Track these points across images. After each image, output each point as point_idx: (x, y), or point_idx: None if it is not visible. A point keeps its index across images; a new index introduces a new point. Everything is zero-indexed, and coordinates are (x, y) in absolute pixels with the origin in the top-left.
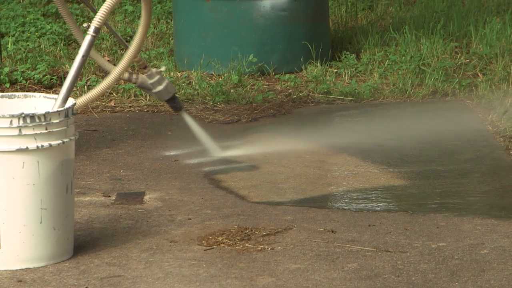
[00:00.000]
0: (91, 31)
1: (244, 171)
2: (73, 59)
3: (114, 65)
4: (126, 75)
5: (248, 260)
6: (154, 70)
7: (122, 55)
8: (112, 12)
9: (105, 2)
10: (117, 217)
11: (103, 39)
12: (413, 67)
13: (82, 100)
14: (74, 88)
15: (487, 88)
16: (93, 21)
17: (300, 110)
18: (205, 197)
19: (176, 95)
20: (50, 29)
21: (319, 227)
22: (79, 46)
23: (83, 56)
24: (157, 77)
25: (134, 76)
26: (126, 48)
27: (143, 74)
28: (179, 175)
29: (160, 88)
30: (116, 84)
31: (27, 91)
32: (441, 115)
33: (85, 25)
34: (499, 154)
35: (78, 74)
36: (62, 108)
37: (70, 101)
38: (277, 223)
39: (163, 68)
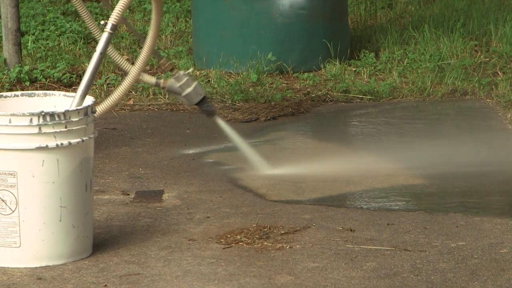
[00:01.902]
0: (108, 28)
1: (263, 170)
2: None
3: (132, 63)
4: (153, 80)
5: (267, 259)
6: (181, 72)
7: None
8: (131, 10)
9: None
10: (136, 215)
11: (122, 37)
12: (432, 66)
13: (102, 107)
14: (94, 87)
15: (507, 87)
16: (110, 18)
17: (318, 108)
18: (224, 195)
19: (206, 97)
20: (70, 27)
21: (337, 225)
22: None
23: (100, 53)
24: (185, 79)
25: (161, 80)
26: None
27: (171, 77)
28: (197, 173)
29: (189, 90)
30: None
31: (46, 90)
32: (461, 113)
33: (102, 22)
34: None
35: (96, 72)
36: (81, 107)
37: (89, 99)
38: (296, 222)
39: (190, 70)
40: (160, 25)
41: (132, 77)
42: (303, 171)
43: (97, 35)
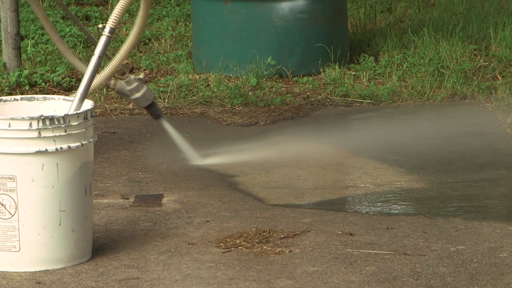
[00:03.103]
0: (106, 31)
1: (262, 173)
2: None
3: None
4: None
5: (266, 263)
6: (132, 76)
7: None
8: (131, 14)
9: (119, 2)
10: (136, 219)
11: (121, 41)
12: (431, 70)
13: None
14: (95, 92)
15: (506, 91)
16: (108, 22)
17: (318, 112)
18: (223, 199)
19: (155, 101)
20: (69, 31)
21: (337, 229)
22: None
23: (99, 57)
24: (135, 84)
25: (112, 81)
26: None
27: (121, 80)
28: (197, 177)
29: (138, 95)
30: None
31: (46, 94)
32: (460, 117)
33: (100, 25)
34: None
35: (94, 75)
36: (81, 111)
37: (89, 103)
38: (295, 226)
39: (141, 75)
40: (145, 27)
41: (117, 60)
42: (300, 176)
43: (55, 39)
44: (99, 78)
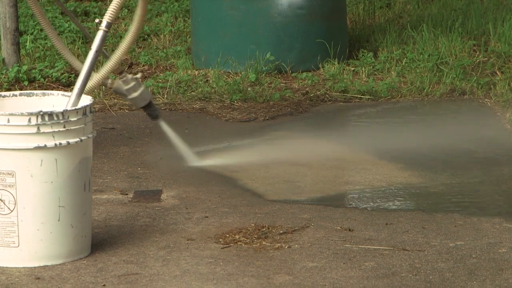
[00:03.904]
0: (103, 26)
1: (261, 169)
2: None
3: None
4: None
5: (265, 258)
6: (130, 76)
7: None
8: (129, 10)
9: None
10: (135, 215)
11: (120, 37)
12: (431, 66)
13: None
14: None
15: (505, 87)
16: (104, 16)
17: (317, 108)
18: (222, 195)
19: (152, 102)
20: (68, 27)
21: (336, 225)
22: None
23: (96, 52)
24: (132, 84)
25: (109, 81)
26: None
27: (119, 79)
28: (196, 173)
29: (135, 94)
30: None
31: (45, 89)
32: (459, 113)
33: (97, 20)
34: None
35: (92, 70)
36: (80, 106)
37: (88, 99)
38: (294, 222)
39: (138, 75)
40: (142, 26)
41: (117, 56)
42: (300, 171)
43: (53, 37)
44: (97, 77)
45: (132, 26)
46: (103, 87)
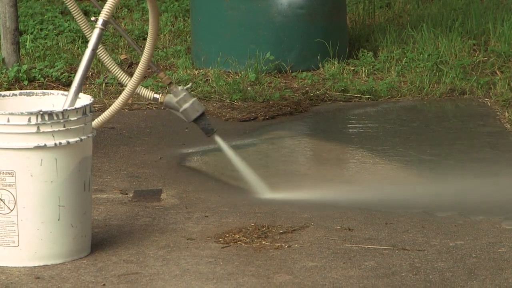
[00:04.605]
0: (99, 24)
1: (261, 168)
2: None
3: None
4: (151, 95)
5: (265, 258)
6: (180, 87)
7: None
8: (129, 9)
9: None
10: (135, 215)
11: (120, 36)
12: (430, 65)
13: (99, 120)
14: (92, 86)
15: (505, 86)
16: (100, 14)
17: (317, 108)
18: (222, 194)
19: (205, 114)
20: (68, 26)
21: (336, 225)
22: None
23: (92, 50)
24: (182, 94)
25: (159, 95)
26: (137, 48)
27: (168, 92)
28: (196, 172)
29: (186, 105)
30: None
31: (45, 89)
32: (459, 112)
33: (93, 18)
34: None
35: (88, 68)
36: (80, 106)
37: (87, 99)
38: (294, 221)
39: (189, 85)
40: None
41: (129, 91)
42: (299, 171)
43: (89, 35)
44: (121, 99)
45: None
46: (103, 86)
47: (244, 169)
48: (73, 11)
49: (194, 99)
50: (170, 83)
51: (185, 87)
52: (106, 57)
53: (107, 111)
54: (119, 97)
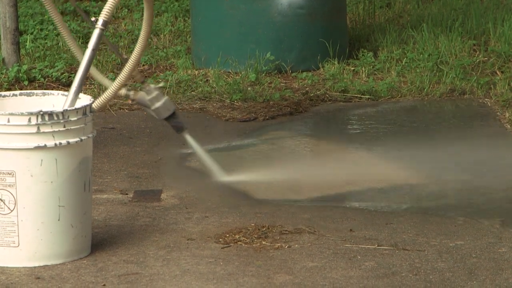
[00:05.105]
0: (99, 24)
1: (261, 169)
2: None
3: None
4: (123, 91)
5: (265, 258)
6: (152, 86)
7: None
8: (129, 9)
9: None
10: (135, 215)
11: (120, 36)
12: (431, 65)
13: (96, 103)
14: (92, 87)
15: (505, 86)
16: (100, 14)
17: (317, 108)
18: (222, 195)
19: (177, 112)
20: (69, 27)
21: (336, 225)
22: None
23: (92, 50)
24: (155, 93)
25: (131, 92)
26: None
27: (141, 90)
28: (196, 173)
29: (158, 104)
30: (134, 82)
31: (45, 89)
32: (459, 112)
33: (93, 19)
34: None
35: (88, 68)
36: (80, 106)
37: (87, 99)
38: (294, 221)
39: (161, 84)
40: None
41: (117, 85)
42: (299, 171)
43: (66, 36)
44: (110, 91)
45: (142, 32)
46: (103, 87)
47: (204, 157)
48: (51, 12)
49: (166, 98)
50: (143, 81)
51: (157, 86)
52: (75, 49)
53: (104, 93)
54: (107, 90)
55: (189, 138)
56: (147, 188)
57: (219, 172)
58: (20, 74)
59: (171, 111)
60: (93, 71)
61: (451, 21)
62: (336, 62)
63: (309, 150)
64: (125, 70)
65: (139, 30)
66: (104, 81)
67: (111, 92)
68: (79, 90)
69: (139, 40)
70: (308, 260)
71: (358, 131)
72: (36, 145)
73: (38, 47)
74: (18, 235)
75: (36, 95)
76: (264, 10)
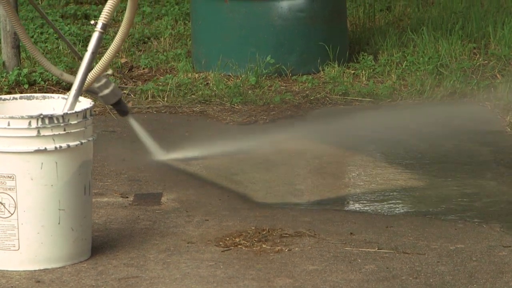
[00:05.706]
0: (98, 27)
1: (262, 172)
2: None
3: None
4: (72, 78)
5: (266, 261)
6: None
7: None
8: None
9: None
10: (135, 218)
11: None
12: (431, 68)
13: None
14: None
15: (505, 89)
16: (100, 18)
17: (317, 111)
18: (222, 198)
19: (122, 98)
20: (69, 30)
21: (336, 228)
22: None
23: (92, 53)
24: (103, 81)
25: None
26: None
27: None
28: (196, 176)
29: (106, 91)
30: (134, 86)
31: (45, 92)
32: (460, 117)
33: (92, 22)
34: None
35: (88, 71)
36: (80, 109)
37: (88, 102)
38: (295, 224)
39: (109, 71)
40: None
41: (96, 72)
42: (300, 174)
43: (24, 38)
44: (88, 79)
45: (120, 30)
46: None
47: (144, 138)
48: (9, 14)
49: (113, 85)
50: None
51: (105, 73)
52: (33, 48)
53: (93, 70)
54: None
55: (132, 121)
56: (148, 191)
57: (158, 152)
58: (21, 78)
59: (118, 97)
60: (43, 60)
61: (451, 25)
62: (336, 65)
63: (309, 153)
64: (103, 59)
65: (139, 33)
66: (52, 69)
67: (87, 79)
68: (79, 93)
69: (120, 30)
70: (308, 264)
71: (358, 134)
72: (37, 148)
73: (39, 50)
74: (18, 239)
75: (36, 99)
76: (264, 13)
